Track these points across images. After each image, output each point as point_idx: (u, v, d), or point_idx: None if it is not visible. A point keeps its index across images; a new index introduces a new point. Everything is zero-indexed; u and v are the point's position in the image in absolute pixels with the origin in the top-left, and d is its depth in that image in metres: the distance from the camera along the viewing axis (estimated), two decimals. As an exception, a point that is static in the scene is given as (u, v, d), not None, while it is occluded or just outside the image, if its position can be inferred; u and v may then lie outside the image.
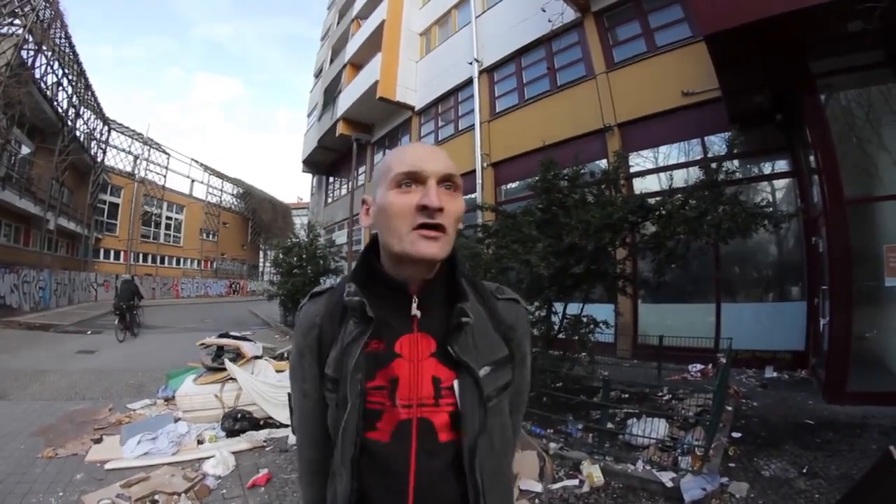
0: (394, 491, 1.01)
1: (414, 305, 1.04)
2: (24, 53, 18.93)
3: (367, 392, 1.02)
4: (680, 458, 4.12)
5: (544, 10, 11.13)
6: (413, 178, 0.98)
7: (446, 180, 1.00)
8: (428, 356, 1.03)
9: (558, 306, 6.09)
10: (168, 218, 41.45)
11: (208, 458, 4.56)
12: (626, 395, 6.23)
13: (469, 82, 14.68)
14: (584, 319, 5.91)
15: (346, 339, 1.04)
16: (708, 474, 3.79)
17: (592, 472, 3.98)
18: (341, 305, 1.08)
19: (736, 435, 4.84)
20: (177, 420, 5.61)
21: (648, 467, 4.05)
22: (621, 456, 4.30)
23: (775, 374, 7.45)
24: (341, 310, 1.08)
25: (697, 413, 4.82)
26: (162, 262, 40.27)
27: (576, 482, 3.98)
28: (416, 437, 1.00)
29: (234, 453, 4.69)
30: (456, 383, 1.02)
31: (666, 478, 3.81)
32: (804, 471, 4.00)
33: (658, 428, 4.47)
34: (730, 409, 5.49)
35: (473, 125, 14.07)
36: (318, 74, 29.20)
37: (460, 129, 15.31)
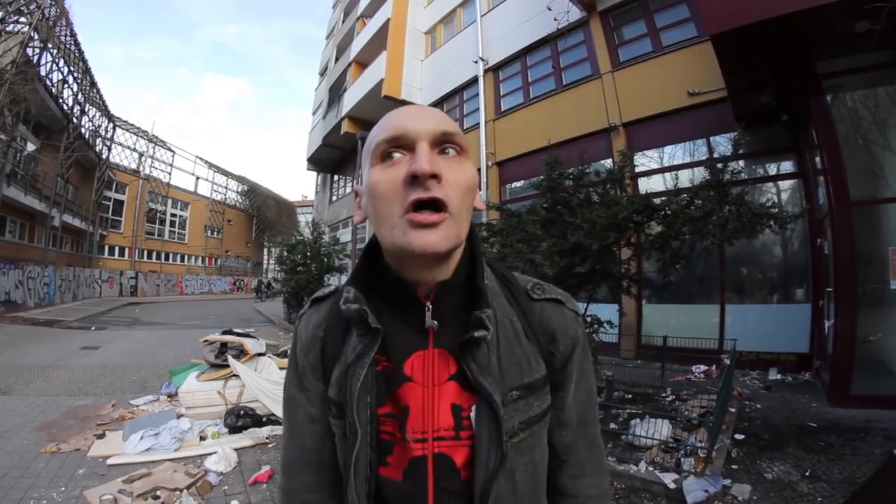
0: None
1: (428, 315, 0.82)
2: (29, 51, 19.03)
3: (379, 419, 0.83)
4: (683, 459, 4.10)
5: (550, 9, 11.12)
6: (398, 145, 0.76)
7: (444, 141, 0.77)
8: (446, 380, 0.83)
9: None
10: (173, 215, 41.62)
11: (210, 454, 4.57)
12: (630, 396, 6.21)
13: (474, 81, 14.65)
14: (589, 319, 5.90)
15: (350, 356, 0.83)
16: (711, 476, 3.78)
17: (595, 473, 3.96)
18: (346, 313, 0.84)
19: (739, 437, 4.81)
20: (179, 416, 5.62)
21: (651, 468, 4.04)
22: (624, 456, 4.29)
23: (779, 377, 7.42)
24: (346, 318, 0.86)
25: (701, 414, 4.80)
26: (166, 258, 40.48)
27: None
28: (434, 477, 0.81)
29: (236, 450, 4.70)
30: (473, 410, 0.81)
31: (668, 479, 3.80)
32: (807, 474, 3.98)
33: (661, 429, 4.45)
34: (733, 410, 5.46)
35: (478, 124, 14.04)
36: (323, 73, 29.21)
37: (465, 127, 15.19)
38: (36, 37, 19.36)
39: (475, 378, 0.79)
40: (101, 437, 5.16)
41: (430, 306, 0.82)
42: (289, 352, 0.99)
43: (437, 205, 0.73)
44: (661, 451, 4.27)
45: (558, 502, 0.95)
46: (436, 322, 0.82)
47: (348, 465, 0.82)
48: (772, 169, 8.76)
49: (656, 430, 4.42)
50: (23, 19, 18.73)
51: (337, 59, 25.24)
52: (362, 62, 20.37)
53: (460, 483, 0.81)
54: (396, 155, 0.76)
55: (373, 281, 0.86)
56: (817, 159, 6.89)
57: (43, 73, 20.82)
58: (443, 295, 0.83)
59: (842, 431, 4.93)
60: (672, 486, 3.73)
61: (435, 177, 0.72)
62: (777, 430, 5.10)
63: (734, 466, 4.17)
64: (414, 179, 0.72)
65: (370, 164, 0.79)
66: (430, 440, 0.81)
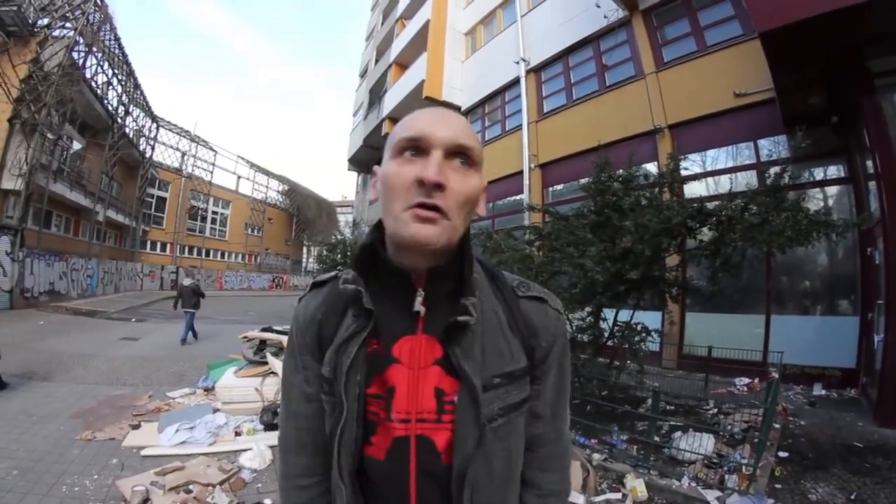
0: None
1: (418, 300, 0.89)
2: (74, 54, 19.74)
3: (366, 399, 0.89)
4: (726, 476, 3.98)
5: (598, 6, 11.00)
6: (416, 147, 0.83)
7: (459, 153, 0.84)
8: (431, 363, 0.88)
9: (607, 313, 5.94)
10: (214, 212, 42.47)
11: (245, 450, 4.59)
12: (671, 407, 6.07)
13: (516, 82, 14.54)
14: (637, 327, 5.76)
15: (343, 335, 0.90)
16: (755, 495, 3.65)
17: (636, 487, 3.87)
18: (343, 296, 0.94)
19: (783, 454, 4.66)
20: (215, 411, 5.70)
21: (694, 484, 3.92)
22: (666, 471, 4.17)
23: (823, 392, 7.17)
24: (343, 301, 0.94)
25: (744, 429, 4.64)
26: (207, 254, 41.22)
27: (619, 496, 3.88)
28: (416, 458, 0.87)
29: (271, 447, 4.69)
30: (456, 395, 0.87)
31: (711, 496, 3.69)
32: (852, 497, 3.81)
33: (705, 443, 4.33)
34: (777, 426, 5.28)
35: (521, 125, 13.90)
36: (363, 74, 29.58)
37: (507, 129, 15.15)
38: (81, 41, 20.04)
39: (458, 362, 0.85)
40: (136, 427, 5.25)
41: (422, 293, 0.89)
42: (288, 334, 1.04)
43: (436, 208, 0.81)
44: (704, 467, 4.15)
45: (523, 493, 1.00)
46: (424, 308, 0.88)
47: (333, 438, 0.89)
48: (819, 173, 8.42)
49: (700, 444, 4.30)
50: (68, 24, 19.44)
51: (377, 61, 25.48)
52: (402, 63, 20.51)
53: (441, 467, 0.86)
54: (415, 155, 0.83)
55: (371, 267, 0.92)
56: (869, 163, 6.62)
57: (88, 75, 21.57)
58: (433, 282, 0.89)
59: (889, 453, 4.71)
60: (715, 503, 3.60)
61: (440, 186, 0.80)
62: (822, 448, 4.91)
63: (778, 485, 4.02)
64: (421, 184, 0.80)
65: (389, 154, 0.87)
66: (413, 421, 0.87)
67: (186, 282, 12.18)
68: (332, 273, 1.04)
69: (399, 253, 0.89)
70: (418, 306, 0.88)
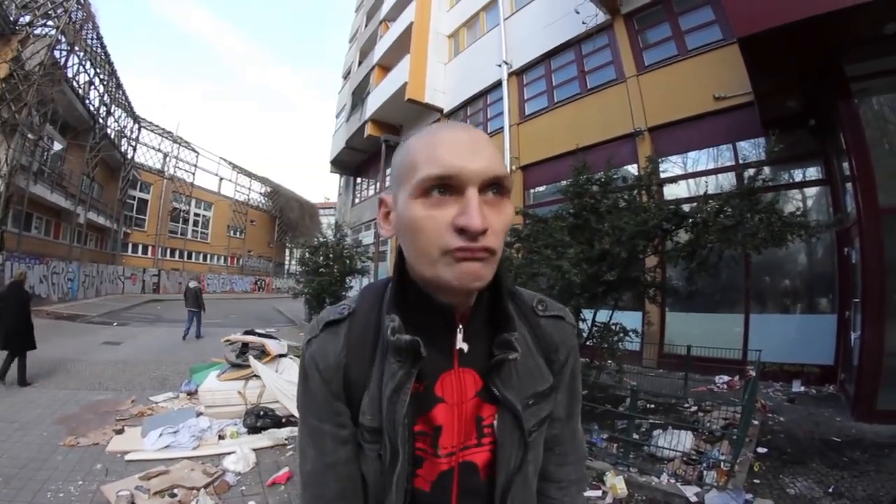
0: None
1: (459, 337, 0.85)
2: (56, 53, 19.52)
3: (414, 436, 0.85)
4: (705, 472, 4.04)
5: (577, 12, 11.06)
6: (445, 185, 0.72)
7: (492, 185, 0.75)
8: (472, 396, 0.87)
9: (586, 313, 6.01)
10: (196, 214, 42.24)
11: (229, 453, 4.59)
12: (652, 406, 6.14)
13: (498, 85, 14.61)
14: (615, 327, 5.83)
15: (390, 384, 0.82)
16: (733, 490, 3.71)
17: (616, 484, 3.91)
18: (370, 335, 0.89)
19: (762, 450, 4.73)
20: (199, 415, 5.67)
21: (673, 481, 3.98)
22: (645, 468, 4.22)
23: (802, 389, 7.27)
24: (372, 341, 0.88)
25: (723, 426, 4.72)
26: (189, 257, 41.03)
27: (599, 493, 3.92)
28: (458, 481, 0.87)
29: (255, 450, 4.71)
30: (495, 419, 0.87)
31: (690, 492, 3.73)
32: (830, 490, 3.89)
33: (684, 440, 4.39)
34: (756, 423, 5.36)
35: (503, 128, 13.95)
36: (346, 76, 29.46)
37: (489, 131, 15.08)
38: (63, 39, 19.82)
39: (501, 394, 0.85)
40: (119, 432, 5.23)
41: (462, 329, 0.85)
42: (300, 379, 0.94)
43: (482, 250, 0.73)
44: (683, 464, 4.21)
45: (544, 487, 1.03)
46: (465, 346, 0.85)
47: (388, 485, 0.84)
48: (797, 175, 8.59)
49: (679, 441, 4.36)
50: (50, 23, 19.22)
51: (360, 63, 25.38)
52: (385, 66, 20.47)
53: (481, 484, 0.88)
54: (445, 194, 0.73)
55: (402, 304, 0.86)
56: (845, 165, 6.74)
57: (70, 74, 21.32)
58: (473, 316, 0.86)
59: (866, 447, 4.82)
60: (694, 499, 3.67)
61: (485, 231, 0.71)
62: (800, 444, 5.01)
63: (756, 480, 4.10)
64: (462, 231, 0.71)
65: (410, 194, 0.75)
66: (457, 452, 0.86)
67: (192, 284, 13.85)
68: (345, 310, 0.94)
69: (437, 292, 0.82)
70: (460, 343, 0.85)
